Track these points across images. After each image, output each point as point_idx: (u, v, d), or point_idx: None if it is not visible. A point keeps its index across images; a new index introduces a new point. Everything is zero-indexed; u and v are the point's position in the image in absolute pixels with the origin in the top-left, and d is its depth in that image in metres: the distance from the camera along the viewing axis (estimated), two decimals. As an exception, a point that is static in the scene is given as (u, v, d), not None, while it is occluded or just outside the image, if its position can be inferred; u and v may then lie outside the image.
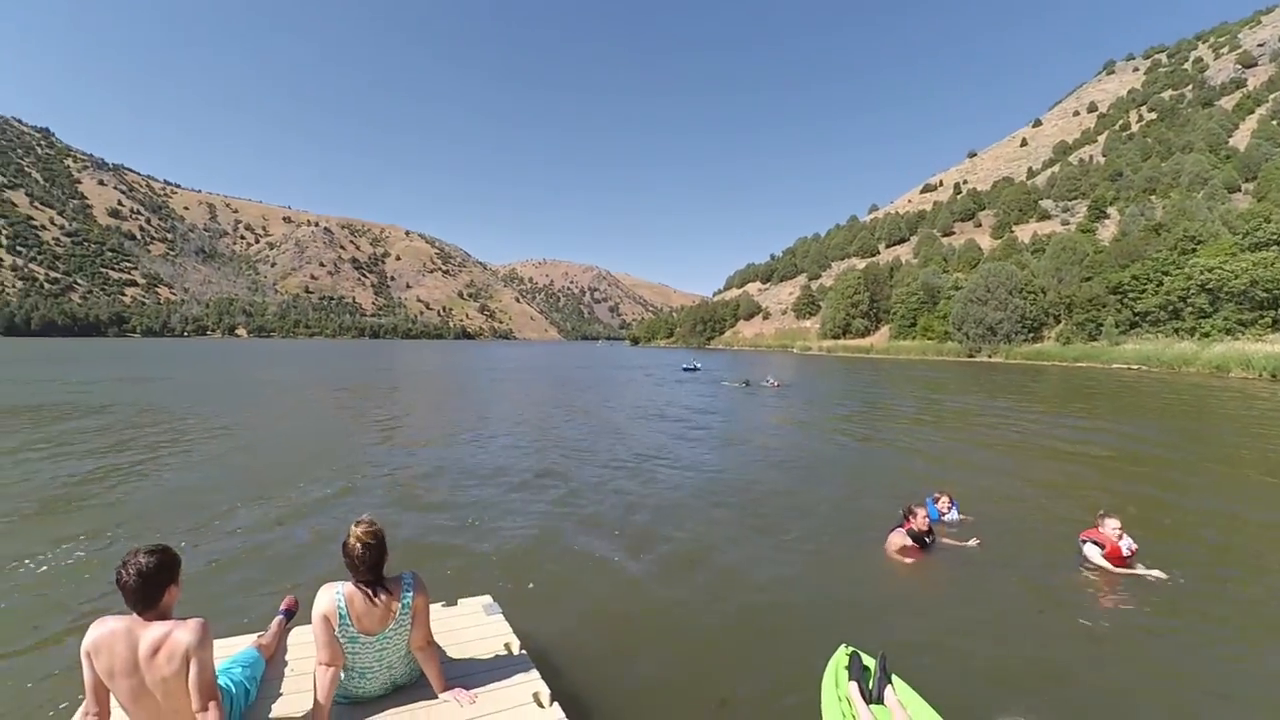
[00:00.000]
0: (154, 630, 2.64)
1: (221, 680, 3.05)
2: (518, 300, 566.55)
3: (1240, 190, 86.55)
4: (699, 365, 49.57)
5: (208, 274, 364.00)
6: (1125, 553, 6.05)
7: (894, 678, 3.83)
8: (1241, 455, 13.04)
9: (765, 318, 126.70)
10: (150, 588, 2.67)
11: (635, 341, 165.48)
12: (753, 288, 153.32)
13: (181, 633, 2.64)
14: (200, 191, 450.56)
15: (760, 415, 20.63)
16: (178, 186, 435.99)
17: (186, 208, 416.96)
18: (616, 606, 5.56)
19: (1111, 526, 6.12)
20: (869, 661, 3.81)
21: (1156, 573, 6.03)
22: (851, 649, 4.02)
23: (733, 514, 8.62)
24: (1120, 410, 21.65)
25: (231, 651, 3.52)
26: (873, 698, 3.59)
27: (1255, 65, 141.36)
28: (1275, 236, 47.11)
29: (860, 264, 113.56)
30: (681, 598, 5.72)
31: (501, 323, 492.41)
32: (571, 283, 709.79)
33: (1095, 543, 6.17)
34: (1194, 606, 5.55)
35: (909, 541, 6.72)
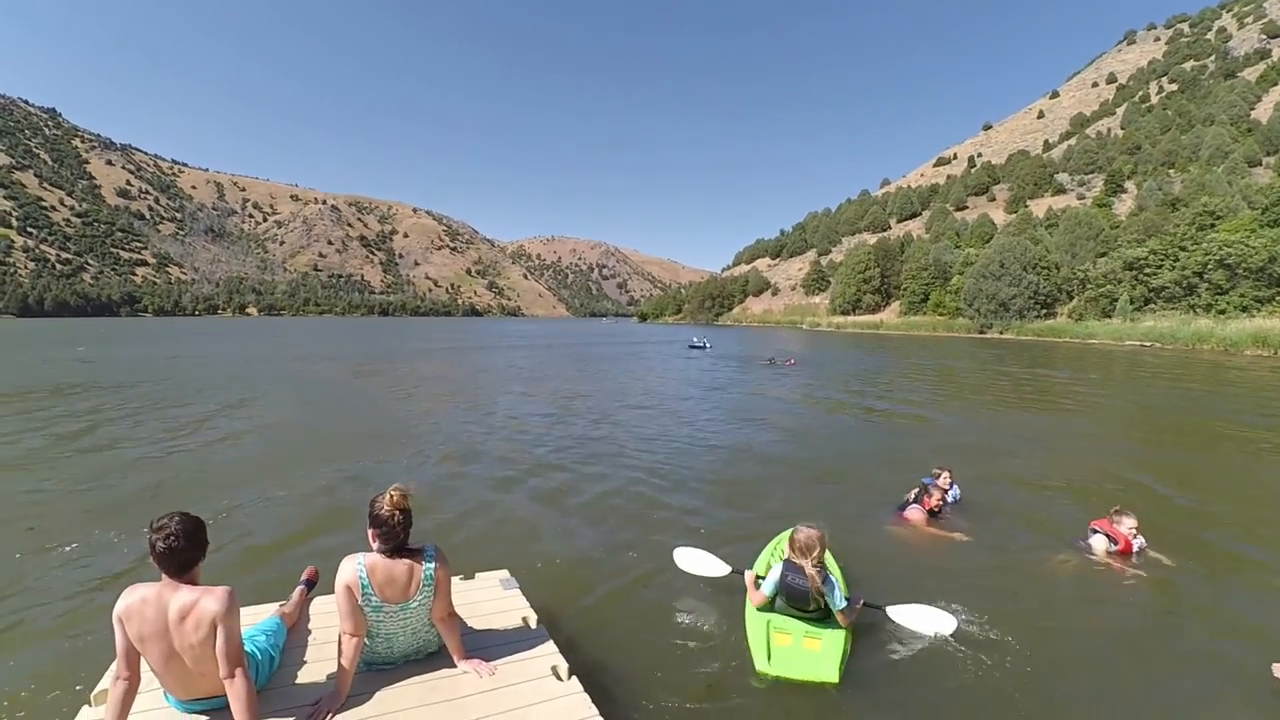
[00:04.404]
0: (183, 596, 2.71)
1: (246, 647, 3.11)
2: (526, 277, 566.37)
3: (1261, 164, 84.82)
4: (707, 343, 47.65)
5: (217, 253, 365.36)
6: (1135, 550, 6.05)
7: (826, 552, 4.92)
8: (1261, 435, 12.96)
9: (774, 294, 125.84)
10: (185, 553, 2.75)
11: (644, 318, 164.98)
12: (762, 263, 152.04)
13: (209, 600, 2.71)
14: (207, 170, 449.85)
15: (779, 389, 20.67)
16: (185, 165, 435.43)
17: (194, 187, 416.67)
18: (634, 580, 5.60)
19: (1127, 525, 6.06)
20: None
21: (1162, 558, 6.04)
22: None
23: (752, 486, 8.71)
24: (1133, 389, 21.52)
25: (255, 620, 3.60)
26: None
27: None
28: (1296, 211, 46.26)
29: (871, 239, 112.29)
30: (692, 583, 5.69)
31: (510, 300, 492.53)
32: (579, 259, 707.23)
33: (1106, 535, 6.11)
34: (1187, 592, 5.57)
35: (924, 523, 6.90)
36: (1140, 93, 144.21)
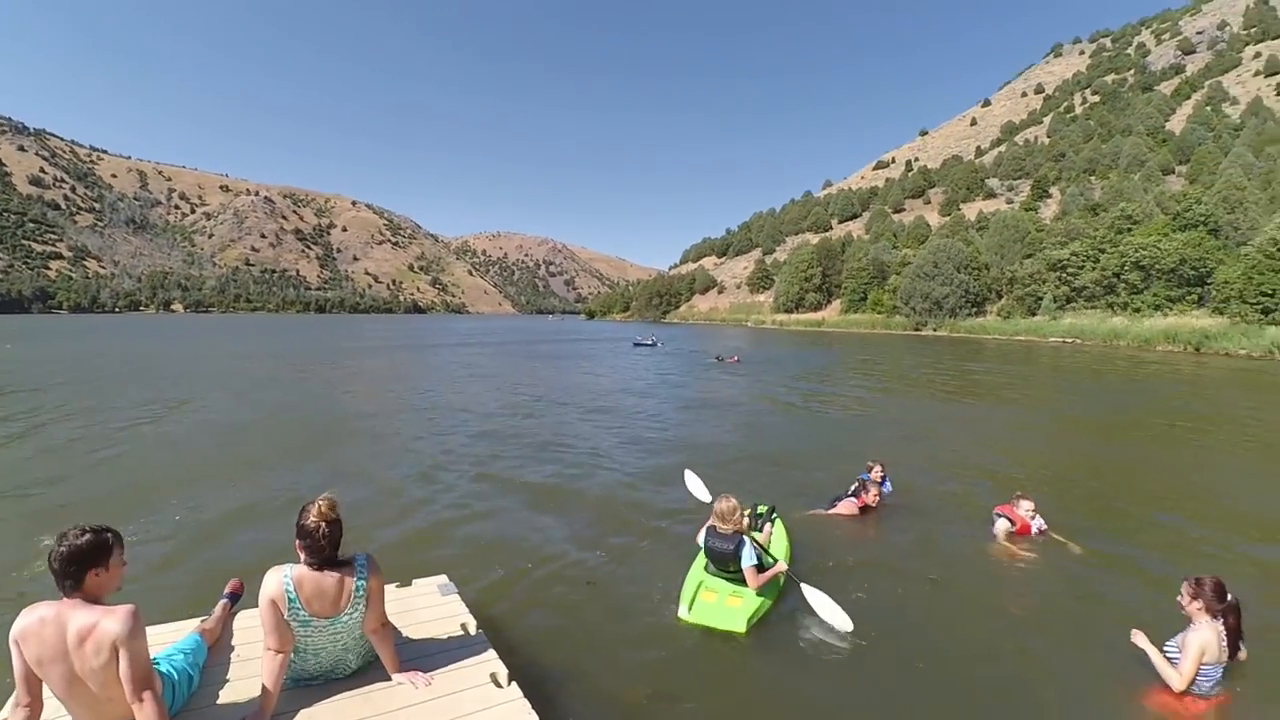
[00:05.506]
0: (81, 617, 2.50)
1: (163, 667, 2.94)
2: (471, 273, 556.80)
3: (1174, 173, 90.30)
4: (656, 340, 47.16)
5: (139, 246, 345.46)
6: (1034, 533, 6.49)
7: (777, 521, 6.19)
8: (1165, 422, 13.78)
9: (720, 292, 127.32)
10: (73, 566, 2.54)
11: (591, 315, 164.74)
12: (708, 262, 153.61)
13: (109, 622, 2.50)
14: (129, 158, 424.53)
15: (725, 385, 20.95)
16: (104, 152, 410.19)
17: (114, 175, 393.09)
18: (574, 584, 5.55)
19: (1025, 508, 6.53)
20: (763, 508, 6.15)
21: (1058, 537, 6.51)
22: (755, 503, 6.29)
23: (683, 489, 8.71)
24: (1053, 382, 22.60)
25: (175, 638, 3.39)
26: (756, 528, 5.81)
27: (1194, 52, 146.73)
28: (1204, 218, 49.37)
29: (813, 239, 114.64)
30: (639, 573, 5.75)
31: (454, 296, 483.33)
32: (526, 255, 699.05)
33: (1008, 518, 6.55)
34: (1070, 568, 6.00)
35: (856, 513, 7.23)
36: (1065, 103, 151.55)
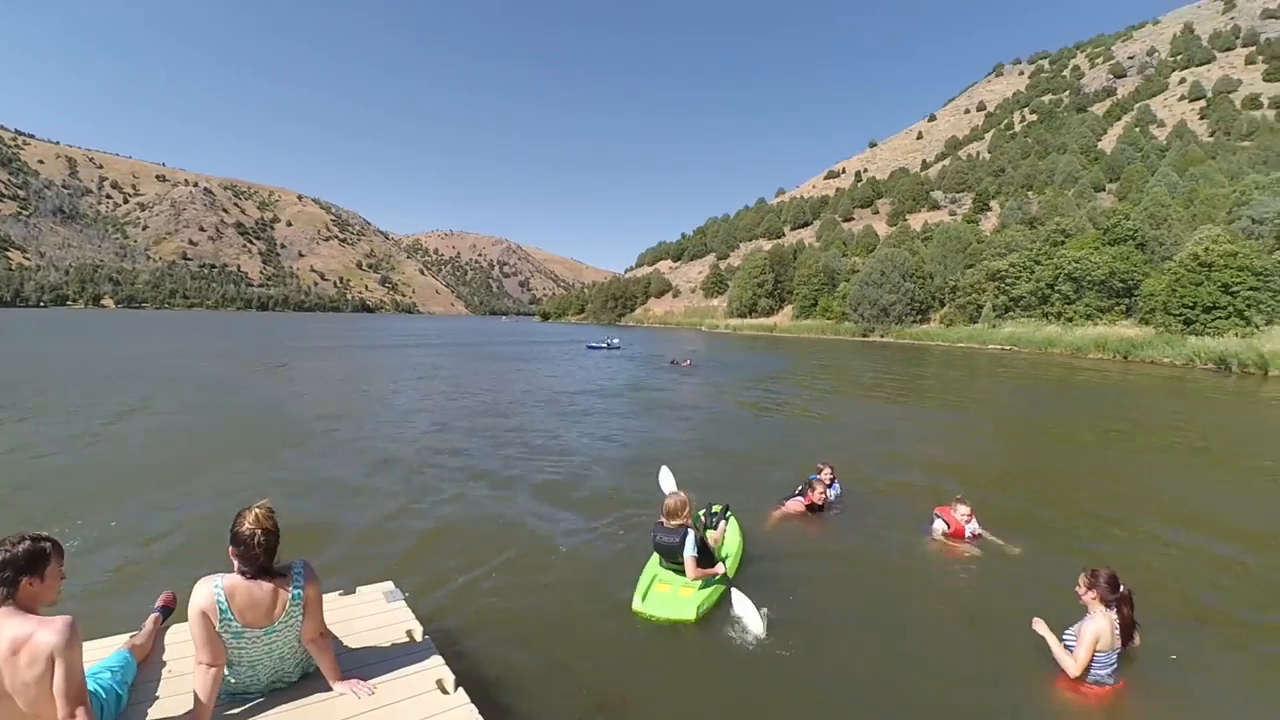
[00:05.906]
0: (15, 628, 2.43)
1: (90, 685, 2.84)
2: (422, 272, 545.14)
3: (1105, 190, 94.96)
4: (616, 341, 46.68)
5: (67, 236, 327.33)
6: (967, 535, 6.79)
7: (731, 519, 6.28)
8: (1104, 426, 14.48)
9: (675, 295, 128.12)
10: (7, 572, 2.49)
11: (546, 317, 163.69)
12: (664, 266, 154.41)
13: (46, 633, 2.43)
14: (58, 144, 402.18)
15: (681, 388, 21.15)
16: (31, 137, 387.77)
17: (41, 161, 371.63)
18: (522, 588, 5.56)
19: (962, 511, 6.82)
20: (717, 508, 6.23)
21: (993, 539, 6.81)
22: (710, 503, 6.36)
23: (638, 487, 8.77)
24: (994, 387, 23.47)
25: (101, 655, 3.26)
26: (711, 525, 5.99)
27: (1125, 76, 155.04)
28: (1131, 232, 51.99)
29: (766, 245, 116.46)
30: (587, 577, 5.78)
31: (404, 296, 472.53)
32: (480, 255, 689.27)
33: (944, 520, 6.86)
34: (996, 567, 6.31)
35: (804, 511, 7.44)
36: (1005, 121, 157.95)
